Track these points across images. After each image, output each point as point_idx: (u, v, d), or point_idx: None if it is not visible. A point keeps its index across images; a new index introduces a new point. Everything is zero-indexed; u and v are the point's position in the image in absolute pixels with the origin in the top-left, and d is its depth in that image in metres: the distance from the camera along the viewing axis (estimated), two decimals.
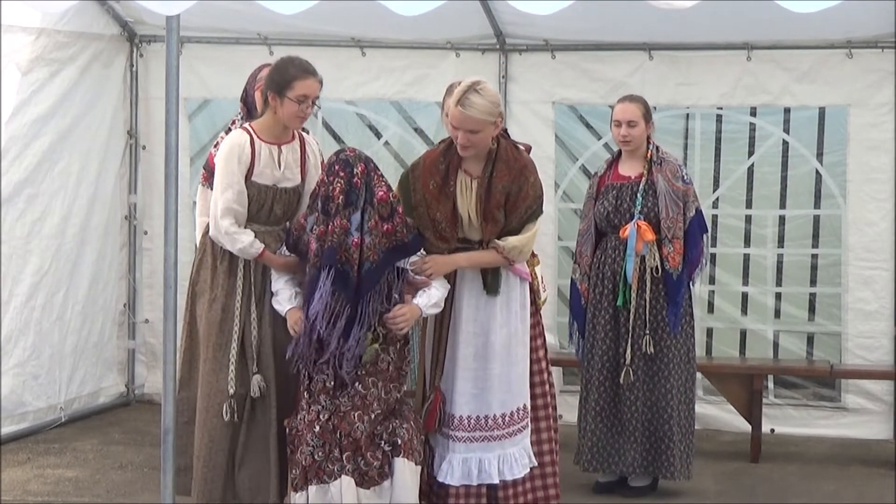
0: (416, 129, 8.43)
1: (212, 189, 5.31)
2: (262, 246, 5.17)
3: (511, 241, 5.33)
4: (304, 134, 5.46)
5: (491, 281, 5.38)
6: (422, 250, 5.26)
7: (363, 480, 5.09)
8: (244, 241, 5.14)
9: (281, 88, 5.17)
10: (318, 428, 5.08)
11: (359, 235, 5.06)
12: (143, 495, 6.27)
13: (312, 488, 5.06)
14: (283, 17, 6.65)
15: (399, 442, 5.13)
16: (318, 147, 5.49)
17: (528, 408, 5.48)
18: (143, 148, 8.45)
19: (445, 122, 5.96)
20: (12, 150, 7.28)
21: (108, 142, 8.20)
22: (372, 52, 8.07)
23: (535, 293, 5.56)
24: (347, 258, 5.04)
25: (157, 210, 8.23)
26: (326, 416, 5.09)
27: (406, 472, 5.14)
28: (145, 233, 8.50)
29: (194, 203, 8.23)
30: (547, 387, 5.61)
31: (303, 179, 5.31)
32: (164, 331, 4.76)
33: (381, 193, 5.12)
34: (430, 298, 5.24)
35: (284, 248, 5.24)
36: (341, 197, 5.06)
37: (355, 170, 5.11)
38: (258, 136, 5.21)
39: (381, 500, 5.12)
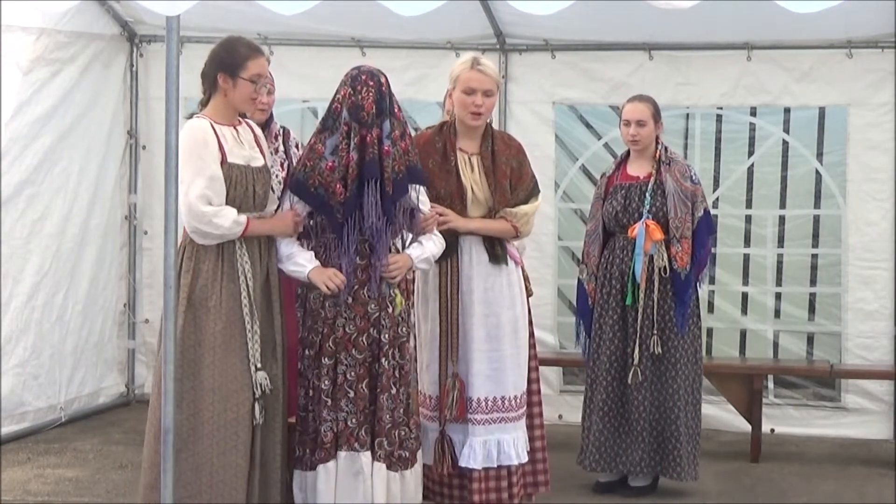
0: (416, 129, 8.41)
1: None
2: (245, 216, 4.92)
3: (522, 208, 5.49)
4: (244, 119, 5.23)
5: (500, 251, 5.48)
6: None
7: (390, 462, 5.06)
8: (228, 218, 4.85)
9: (233, 69, 4.93)
10: (352, 394, 5.01)
11: (389, 144, 5.02)
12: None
13: (343, 454, 4.98)
14: (283, 17, 6.64)
15: (407, 455, 5.13)
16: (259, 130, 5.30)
17: (526, 393, 5.57)
18: (143, 148, 8.46)
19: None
20: (13, 150, 7.27)
21: (108, 142, 8.20)
22: (372, 52, 8.06)
23: (526, 279, 5.69)
24: (382, 169, 4.99)
25: (157, 210, 8.23)
26: (365, 384, 5.01)
27: (412, 482, 5.17)
28: (145, 233, 8.51)
29: None
30: (537, 374, 5.72)
31: (265, 158, 5.10)
32: (164, 330, 4.74)
33: (396, 109, 5.13)
34: (423, 252, 5.18)
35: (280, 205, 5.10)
36: (374, 106, 5.02)
37: (381, 79, 5.11)
38: (214, 121, 4.96)
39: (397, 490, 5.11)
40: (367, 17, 7.42)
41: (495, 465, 5.42)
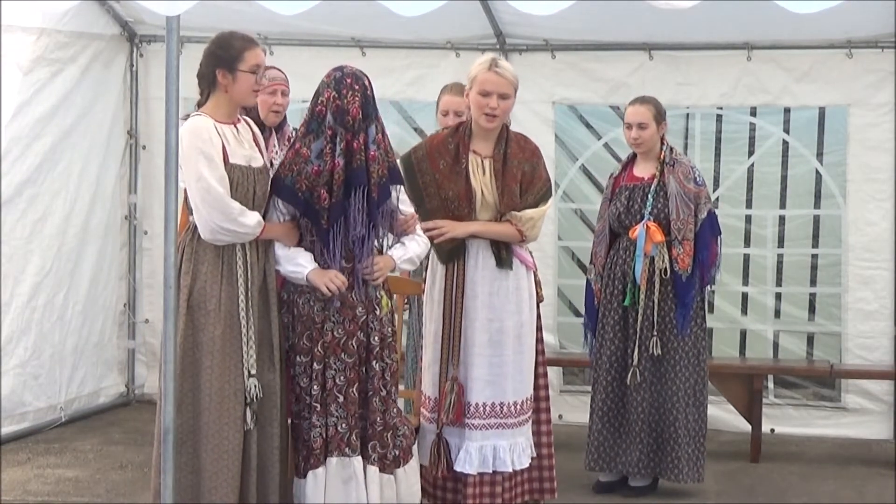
0: (415, 129, 8.44)
1: None
2: (262, 220, 4.89)
3: (528, 212, 5.41)
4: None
5: (505, 255, 5.42)
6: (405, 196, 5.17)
7: (384, 465, 5.04)
8: (253, 217, 4.83)
9: (231, 63, 4.85)
10: (342, 399, 4.96)
11: (375, 149, 4.97)
12: (143, 495, 6.26)
13: (333, 460, 4.94)
14: (283, 17, 6.65)
15: (398, 453, 5.10)
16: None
17: (533, 398, 5.53)
18: (143, 148, 8.46)
19: (442, 120, 6.00)
20: (14, 150, 7.28)
21: (109, 142, 8.20)
22: (372, 52, 8.07)
23: (537, 284, 5.64)
24: (369, 175, 4.94)
25: (157, 210, 8.23)
26: (355, 388, 4.97)
27: (404, 481, 5.13)
28: (145, 233, 8.51)
29: None
30: (545, 380, 5.69)
31: (263, 157, 5.04)
32: (163, 330, 4.73)
33: (377, 111, 5.08)
34: (405, 252, 5.12)
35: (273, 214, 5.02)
36: (360, 111, 4.95)
37: (366, 82, 5.04)
38: (215, 119, 4.89)
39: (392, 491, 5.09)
40: (367, 17, 7.42)
41: (490, 471, 5.39)
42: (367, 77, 5.07)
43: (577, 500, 6.37)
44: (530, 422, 5.53)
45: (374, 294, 5.04)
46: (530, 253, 5.62)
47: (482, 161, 5.43)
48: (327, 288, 4.92)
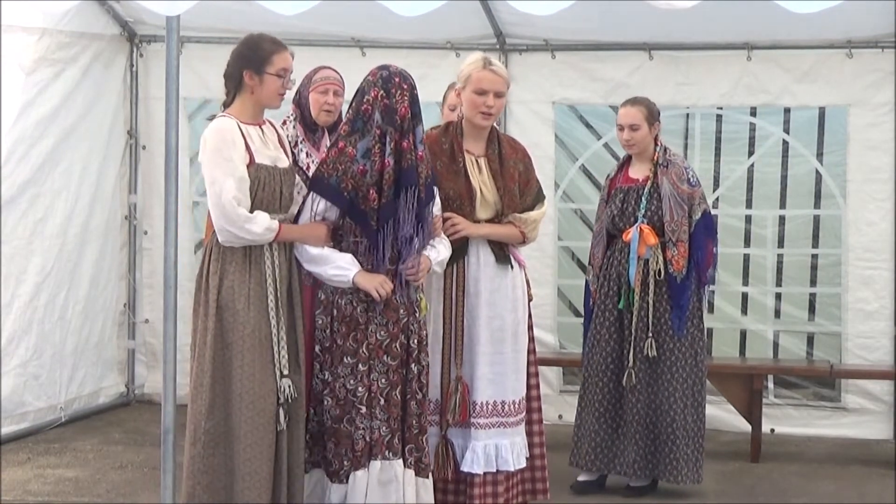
0: None
1: None
2: (277, 222, 4.86)
3: (531, 215, 5.47)
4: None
5: (505, 251, 5.46)
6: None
7: (418, 469, 5.02)
8: (262, 224, 4.80)
9: (259, 65, 4.88)
10: (384, 401, 4.93)
11: (422, 149, 4.97)
12: (143, 495, 6.27)
13: (377, 464, 4.90)
14: (283, 17, 6.63)
15: (426, 460, 5.08)
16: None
17: (525, 398, 5.54)
18: (143, 148, 8.46)
19: (449, 115, 5.99)
20: (19, 149, 7.28)
21: (109, 142, 8.20)
22: (372, 52, 8.06)
23: (527, 283, 5.65)
24: (418, 175, 4.93)
25: (157, 210, 8.23)
26: (398, 390, 4.95)
27: (430, 488, 5.12)
28: (145, 233, 8.51)
29: (195, 203, 8.29)
30: (537, 380, 5.69)
31: (289, 158, 5.05)
32: (164, 331, 4.73)
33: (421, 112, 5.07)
34: (438, 254, 5.12)
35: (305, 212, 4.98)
36: (408, 111, 4.95)
37: (412, 82, 5.04)
38: (240, 120, 4.90)
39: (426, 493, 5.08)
40: (367, 17, 7.42)
41: (494, 470, 5.38)
42: (412, 77, 5.07)
43: (577, 500, 6.36)
44: (523, 422, 5.53)
45: (414, 296, 5.04)
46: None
47: (476, 160, 5.45)
48: (377, 293, 4.90)
